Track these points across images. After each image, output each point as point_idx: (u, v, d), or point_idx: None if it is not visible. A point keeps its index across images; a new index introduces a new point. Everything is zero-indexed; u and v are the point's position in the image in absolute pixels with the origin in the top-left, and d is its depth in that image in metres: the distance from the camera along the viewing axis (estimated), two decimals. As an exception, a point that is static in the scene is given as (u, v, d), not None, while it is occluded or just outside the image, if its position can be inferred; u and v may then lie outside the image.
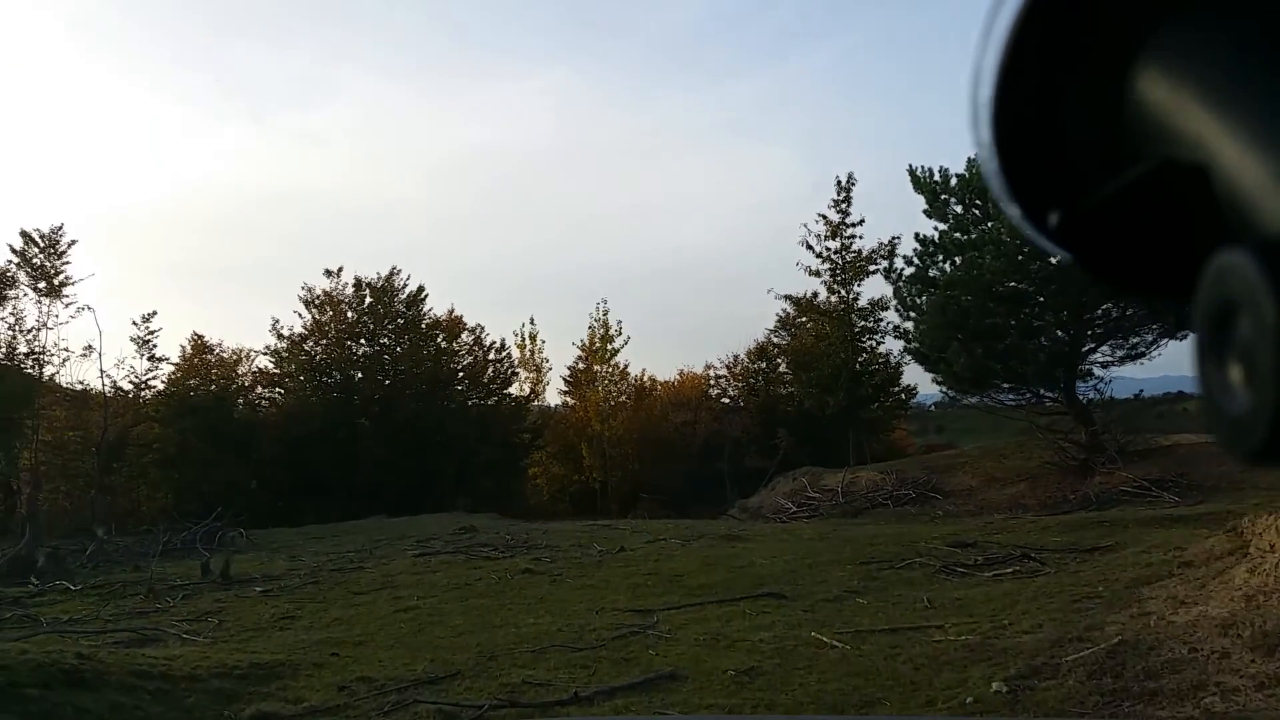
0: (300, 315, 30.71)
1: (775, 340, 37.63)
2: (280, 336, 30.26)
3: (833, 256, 27.23)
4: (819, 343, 28.55)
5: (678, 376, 39.55)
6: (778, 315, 37.14)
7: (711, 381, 39.21)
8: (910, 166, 19.65)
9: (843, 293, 27.16)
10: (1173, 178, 0.45)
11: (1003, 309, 17.39)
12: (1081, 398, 18.18)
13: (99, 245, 43.34)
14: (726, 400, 38.91)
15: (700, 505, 29.04)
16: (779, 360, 37.55)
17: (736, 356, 38.26)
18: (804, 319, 30.17)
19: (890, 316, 27.08)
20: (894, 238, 26.64)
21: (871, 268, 26.79)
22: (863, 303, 27.46)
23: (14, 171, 46.82)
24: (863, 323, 27.33)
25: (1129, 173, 0.48)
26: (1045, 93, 0.50)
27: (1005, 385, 18.63)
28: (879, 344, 27.34)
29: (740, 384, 38.16)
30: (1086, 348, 17.68)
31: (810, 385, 28.59)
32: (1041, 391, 18.64)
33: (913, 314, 19.42)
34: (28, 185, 44.98)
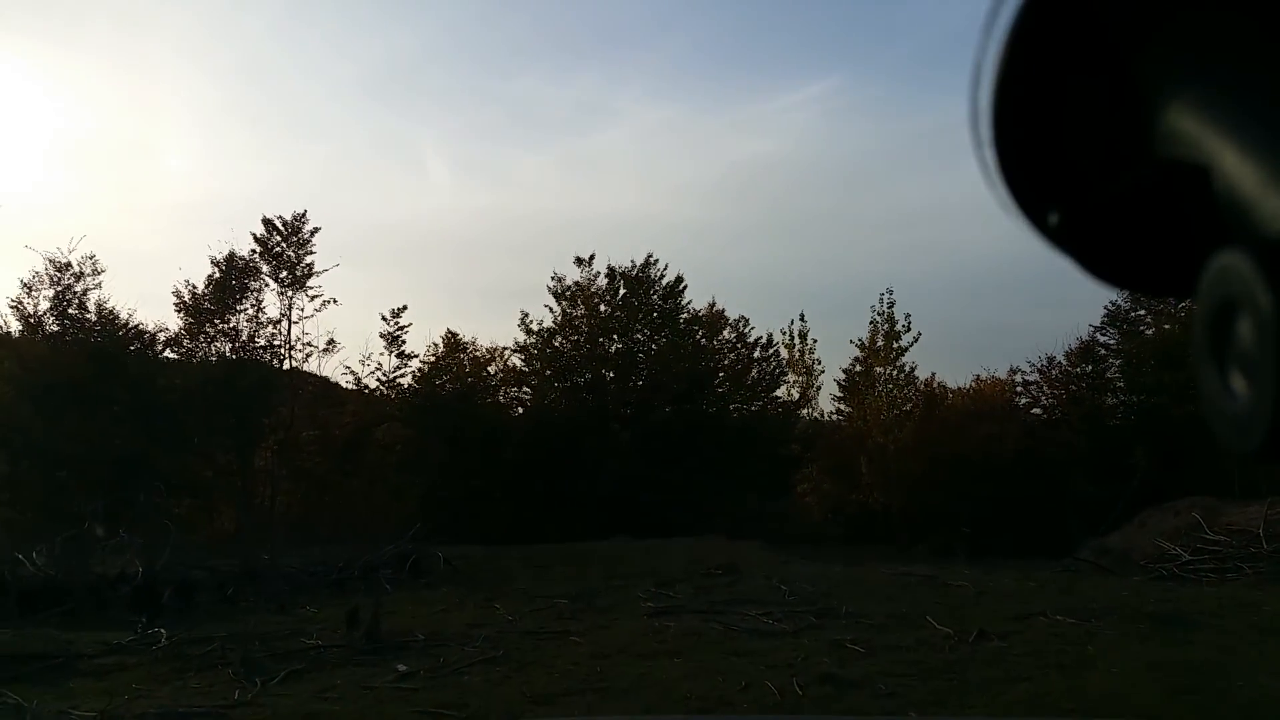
0: (550, 309, 27.25)
1: (1102, 339, 30.42)
2: (529, 331, 26.89)
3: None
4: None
5: (974, 383, 32.84)
6: (1106, 308, 29.96)
7: (1019, 388, 32.32)
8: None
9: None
10: (1172, 178, 0.45)
11: None
12: None
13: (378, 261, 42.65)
14: (1038, 410, 31.93)
15: (1021, 539, 22.80)
16: (1110, 361, 30.22)
17: (1052, 358, 31.17)
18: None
19: None
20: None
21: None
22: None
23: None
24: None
25: (1129, 173, 0.47)
26: (1045, 93, 0.49)
27: None
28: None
29: (1059, 391, 31.03)
30: None
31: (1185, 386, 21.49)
32: None
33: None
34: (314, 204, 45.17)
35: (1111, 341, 30.08)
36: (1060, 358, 30.80)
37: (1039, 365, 31.29)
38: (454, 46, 48.95)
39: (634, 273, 27.71)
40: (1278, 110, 0.40)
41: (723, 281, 52.57)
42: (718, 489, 24.93)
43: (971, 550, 20.09)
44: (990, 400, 31.45)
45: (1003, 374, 31.95)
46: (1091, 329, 30.06)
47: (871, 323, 29.33)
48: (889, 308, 28.67)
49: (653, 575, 11.50)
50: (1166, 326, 26.32)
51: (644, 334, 28.08)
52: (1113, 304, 29.44)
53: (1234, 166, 0.41)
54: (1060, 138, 0.50)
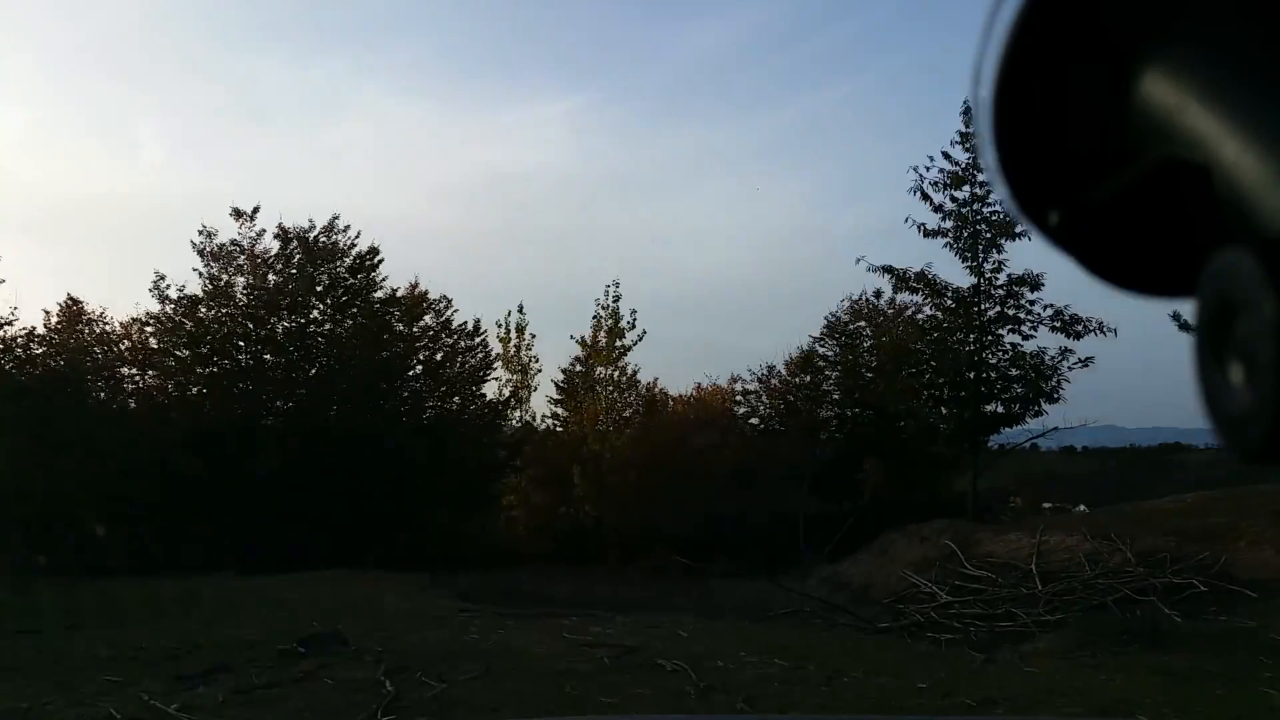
0: (198, 272, 21.33)
1: (821, 351, 28.71)
2: (164, 298, 20.84)
3: (962, 211, 18.02)
4: (927, 334, 19.29)
5: (695, 391, 30.10)
6: (826, 319, 28.30)
7: (739, 397, 29.99)
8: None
9: (973, 262, 17.94)
10: (1172, 177, 0.44)
11: None
12: None
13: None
14: (756, 420, 29.73)
15: (739, 559, 19.86)
16: (827, 374, 28.52)
17: (772, 368, 29.04)
18: (906, 303, 20.96)
19: (1051, 295, 17.90)
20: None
21: (1020, 228, 17.55)
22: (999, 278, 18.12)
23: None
24: (998, 308, 18.06)
25: (1129, 171, 0.47)
26: (1046, 91, 0.49)
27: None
28: (1028, 335, 17.99)
29: (778, 401, 28.93)
30: None
31: (911, 395, 19.33)
32: None
33: None
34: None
35: (830, 353, 28.53)
36: (780, 367, 28.93)
37: (759, 374, 29.25)
38: (176, 21, 41.47)
39: (313, 237, 22.39)
40: (1277, 108, 0.39)
41: (459, 286, 48.36)
42: (399, 502, 20.12)
43: (688, 571, 16.70)
44: (710, 409, 28.86)
45: (724, 383, 29.53)
46: (811, 339, 28.40)
47: (595, 318, 25.72)
48: (614, 301, 25.16)
49: (199, 649, 6.86)
50: (884, 338, 24.68)
51: (324, 312, 22.83)
52: (832, 315, 27.94)
53: (1234, 164, 0.40)
54: (1061, 137, 0.49)
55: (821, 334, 28.46)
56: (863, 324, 27.21)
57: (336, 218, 22.62)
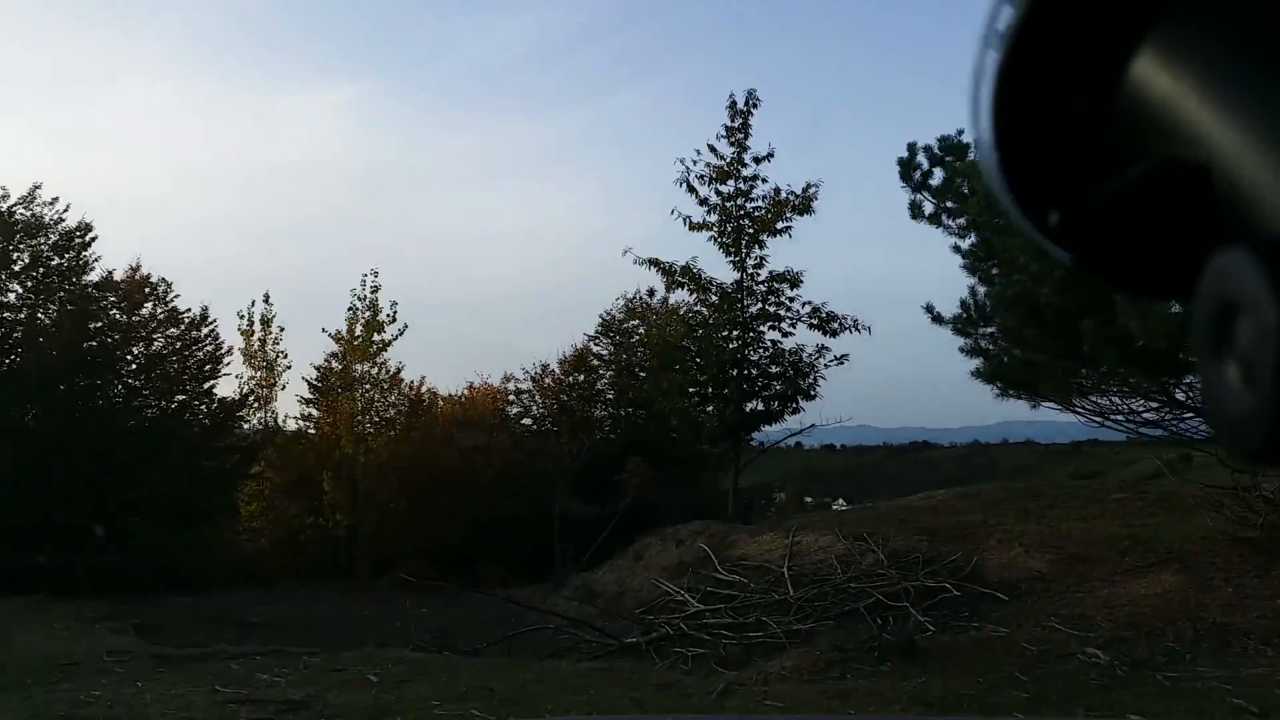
0: None
1: (596, 350, 27.82)
2: None
3: (724, 204, 17.34)
4: (694, 331, 18.54)
5: (466, 391, 28.35)
6: (601, 317, 27.43)
7: (512, 397, 28.55)
8: None
9: (737, 258, 17.30)
10: (1173, 176, 0.44)
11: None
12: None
13: None
14: (529, 421, 28.43)
15: (510, 567, 18.52)
16: (602, 373, 27.65)
17: (546, 366, 27.80)
18: (676, 299, 20.14)
19: (809, 293, 17.50)
20: (811, 185, 17.21)
21: (781, 225, 17.10)
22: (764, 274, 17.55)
23: None
24: (760, 305, 17.51)
25: (1129, 171, 0.47)
26: (1046, 90, 0.48)
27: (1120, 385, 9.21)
28: (787, 333, 17.51)
29: (551, 401, 27.70)
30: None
31: (680, 391, 18.53)
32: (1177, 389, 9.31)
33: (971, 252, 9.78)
34: None
35: (605, 352, 27.70)
36: (554, 365, 27.74)
37: (533, 373, 27.93)
38: None
39: (7, 208, 18.97)
40: (1278, 107, 0.39)
41: (215, 277, 43.93)
42: (102, 517, 17.19)
43: (435, 587, 15.02)
44: (481, 409, 27.19)
45: (497, 382, 28.00)
46: (586, 337, 27.48)
47: (350, 309, 23.45)
48: (373, 292, 23.00)
49: None
50: (652, 333, 24.00)
51: (22, 296, 19.43)
52: (607, 313, 27.14)
53: (1235, 163, 0.40)
54: (1061, 136, 0.48)
55: (596, 332, 27.62)
56: (636, 322, 26.52)
57: (39, 187, 19.30)
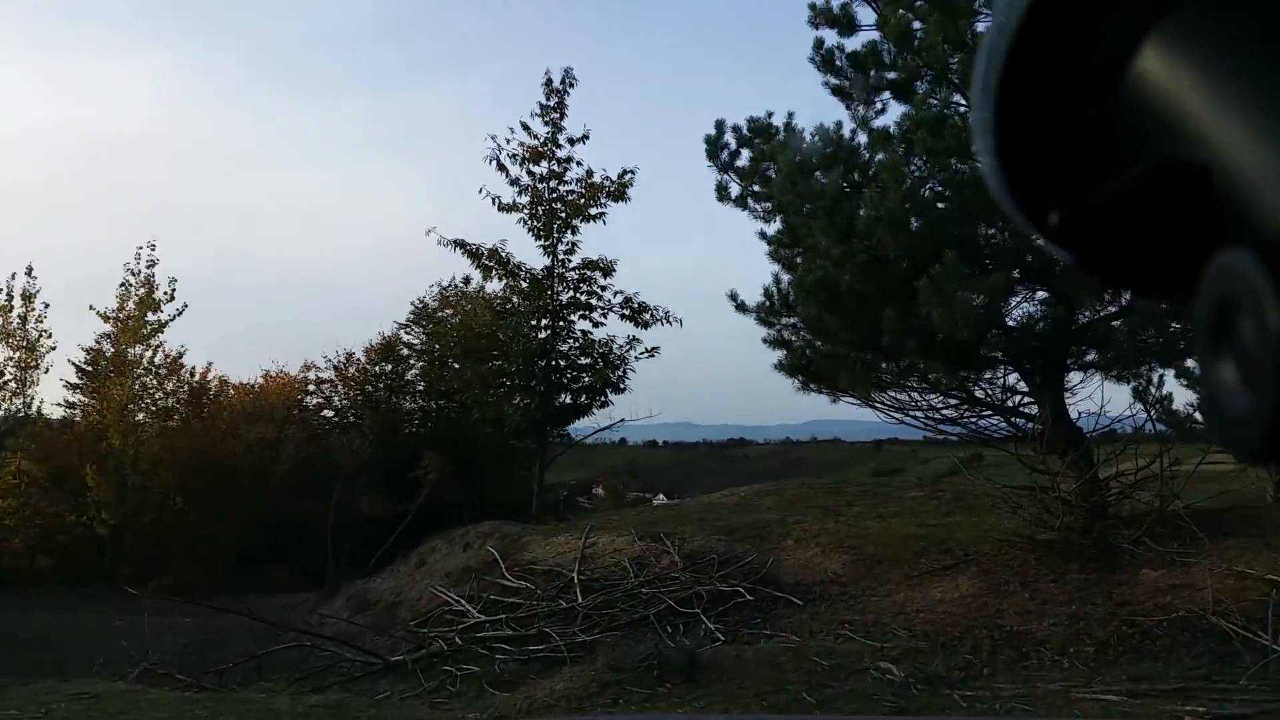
0: None
1: (407, 338, 26.06)
2: None
3: (537, 186, 16.22)
4: (502, 319, 17.33)
5: (262, 379, 25.94)
6: (413, 305, 25.72)
7: (312, 387, 26.37)
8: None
9: (548, 242, 16.23)
10: (1173, 176, 0.43)
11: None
12: (1073, 412, 8.65)
13: None
14: (330, 413, 26.37)
15: (290, 573, 16.83)
16: (412, 363, 25.93)
17: (351, 354, 25.82)
18: (485, 283, 18.81)
19: (624, 283, 16.62)
20: (628, 171, 16.35)
21: (595, 210, 16.15)
22: (577, 260, 16.53)
23: None
24: (572, 293, 16.51)
25: (1129, 171, 0.46)
26: (1046, 90, 0.48)
27: (917, 379, 8.75)
28: (598, 323, 16.55)
29: (355, 392, 25.74)
30: (1094, 314, 8.18)
31: (487, 383, 17.28)
32: (987, 388, 8.94)
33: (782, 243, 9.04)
34: None
35: (416, 341, 25.99)
36: (360, 354, 25.80)
37: (336, 362, 25.88)
38: None
39: None
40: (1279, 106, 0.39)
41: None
42: None
43: (199, 595, 13.18)
44: (275, 399, 24.91)
45: (297, 370, 25.73)
46: (396, 325, 25.68)
47: (123, 285, 20.86)
48: (149, 267, 20.49)
49: None
50: (457, 320, 22.64)
51: None
52: (420, 301, 25.47)
53: (1236, 163, 0.39)
54: (1061, 136, 0.48)
55: (408, 320, 25.86)
56: (451, 311, 25.00)
57: None
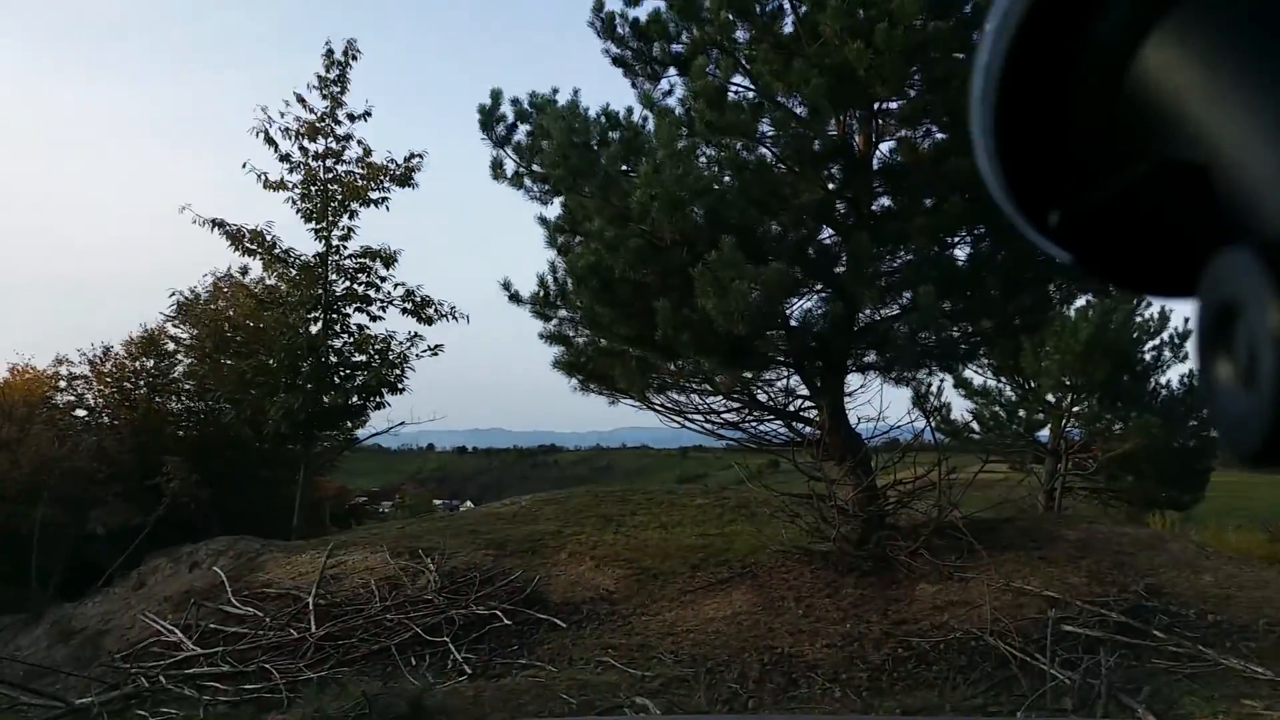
0: None
1: (175, 332, 23.36)
2: None
3: (310, 163, 14.58)
4: (267, 310, 15.53)
5: (10, 373, 22.55)
6: (183, 297, 23.06)
7: (64, 383, 23.18)
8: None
9: (322, 227, 14.61)
10: (1173, 177, 0.43)
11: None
12: (853, 418, 8.12)
13: None
14: (83, 412, 23.26)
15: (16, 592, 14.25)
16: (179, 359, 23.25)
17: (109, 348, 22.88)
18: (250, 270, 16.87)
19: (404, 274, 15.21)
20: (415, 154, 14.98)
21: (376, 194, 14.67)
22: (354, 247, 14.95)
23: None
24: (348, 283, 14.96)
25: (1129, 172, 0.45)
26: (1046, 90, 0.47)
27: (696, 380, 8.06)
28: (377, 316, 15.02)
29: (112, 389, 22.81)
30: (875, 314, 7.69)
31: (245, 380, 15.43)
32: (767, 393, 8.33)
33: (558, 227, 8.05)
34: None
35: (184, 335, 23.32)
36: (119, 348, 22.89)
37: (92, 356, 22.84)
38: None
39: None
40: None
41: None
42: None
43: None
44: (17, 396, 21.69)
45: (46, 365, 22.49)
46: (163, 317, 22.92)
47: None
48: None
49: None
50: (213, 309, 20.43)
51: None
52: (191, 291, 22.86)
53: (1236, 163, 0.39)
54: (1061, 136, 0.47)
55: (174, 312, 23.15)
56: (225, 304, 22.56)
57: None
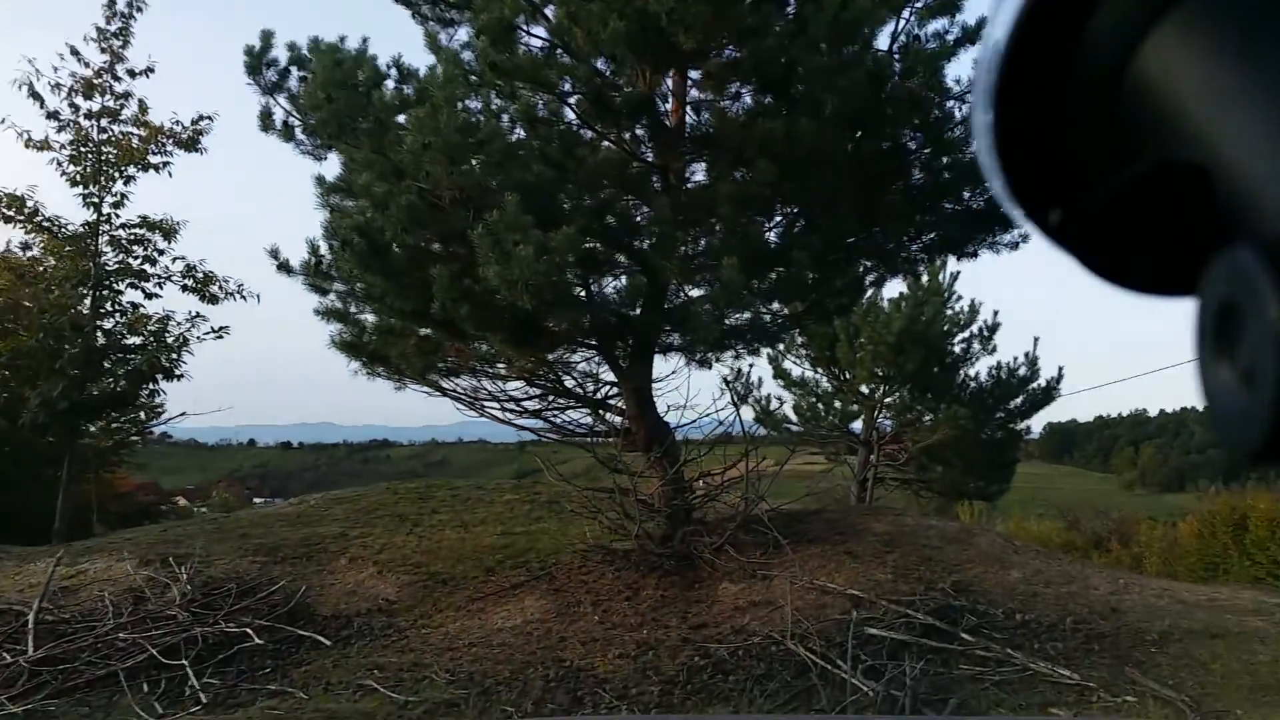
0: None
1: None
2: None
3: (81, 122, 12.79)
4: (28, 285, 13.55)
5: None
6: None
7: None
8: None
9: (92, 193, 12.86)
10: (1173, 177, 0.43)
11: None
12: (660, 405, 7.47)
13: None
14: None
15: None
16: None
17: None
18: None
19: (189, 247, 13.55)
20: (204, 116, 13.41)
21: (156, 159, 13.03)
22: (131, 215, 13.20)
23: None
24: (123, 257, 13.22)
25: (1129, 171, 0.45)
26: (1047, 89, 0.47)
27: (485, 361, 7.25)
28: (153, 294, 13.31)
29: None
30: (679, 290, 7.08)
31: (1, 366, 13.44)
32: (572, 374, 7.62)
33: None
34: None
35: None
36: None
37: None
38: None
39: None
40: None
41: None
42: None
43: None
44: None
45: None
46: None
47: None
48: None
49: None
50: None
51: None
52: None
53: (1237, 163, 0.38)
54: (1062, 134, 0.47)
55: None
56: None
57: None
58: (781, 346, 14.28)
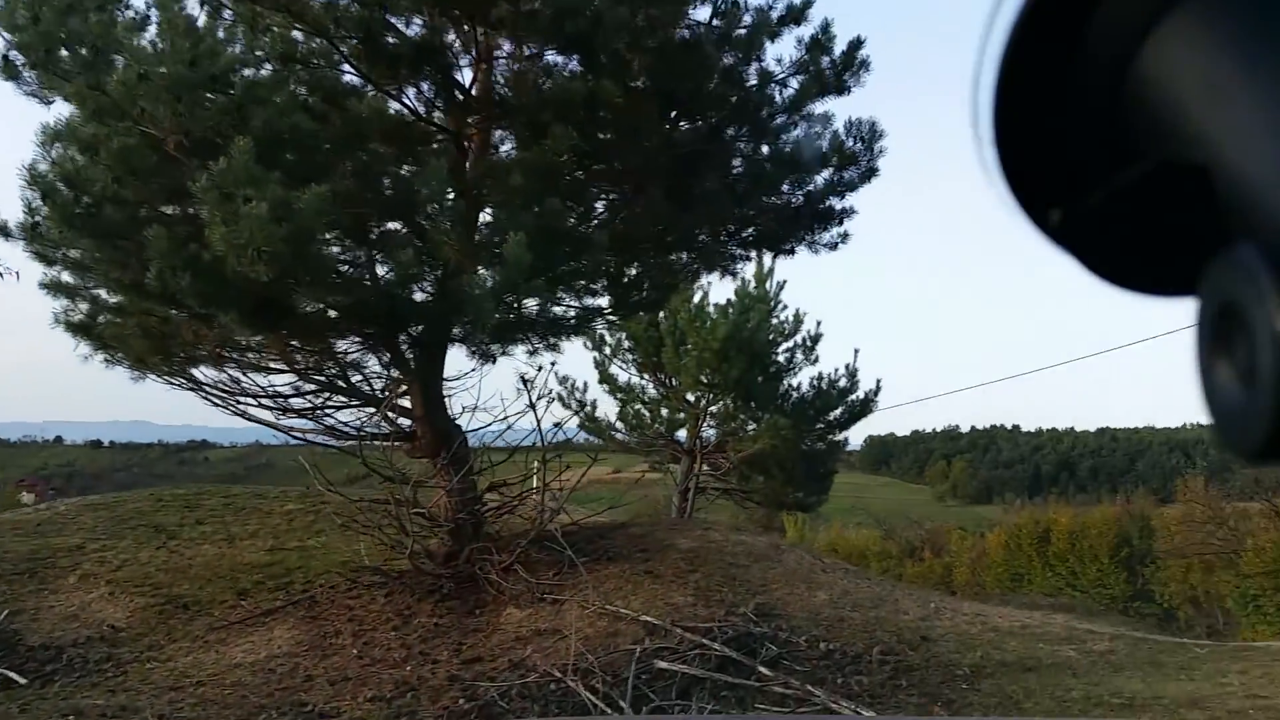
0: None
1: None
2: None
3: None
4: None
5: None
6: None
7: None
8: None
9: None
10: (1173, 177, 0.42)
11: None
12: (449, 403, 6.56)
13: None
14: None
15: None
16: None
17: None
18: None
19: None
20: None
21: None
22: None
23: None
24: None
25: (1130, 171, 0.45)
26: (1047, 88, 0.46)
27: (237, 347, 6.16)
28: None
29: None
30: (459, 271, 6.22)
31: None
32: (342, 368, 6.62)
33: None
34: None
35: None
36: None
37: None
38: None
39: None
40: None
41: None
42: None
43: None
44: None
45: None
46: None
47: None
48: None
49: None
50: None
51: None
52: None
53: (1237, 162, 0.38)
54: (1062, 134, 0.46)
55: None
56: None
57: None
58: (608, 350, 13.62)
